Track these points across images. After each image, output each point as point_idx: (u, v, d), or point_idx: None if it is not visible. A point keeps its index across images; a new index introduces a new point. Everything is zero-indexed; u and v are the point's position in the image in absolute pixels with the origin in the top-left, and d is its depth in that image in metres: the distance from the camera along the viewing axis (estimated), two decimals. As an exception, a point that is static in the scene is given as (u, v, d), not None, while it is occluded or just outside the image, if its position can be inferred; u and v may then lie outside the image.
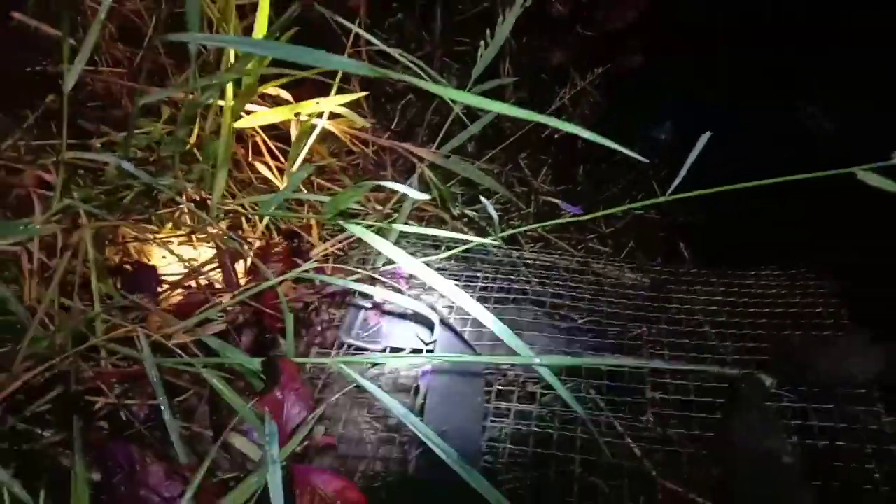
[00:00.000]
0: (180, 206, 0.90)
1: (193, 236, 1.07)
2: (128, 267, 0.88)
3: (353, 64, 0.53)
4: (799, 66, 1.28)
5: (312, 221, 1.17)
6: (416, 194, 0.80)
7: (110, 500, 0.62)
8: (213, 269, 1.01)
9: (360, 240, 1.17)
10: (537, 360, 0.68)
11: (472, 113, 1.16)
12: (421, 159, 1.12)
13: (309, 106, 0.93)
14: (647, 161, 0.53)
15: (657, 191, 1.57)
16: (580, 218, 0.95)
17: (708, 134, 0.66)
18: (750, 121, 1.35)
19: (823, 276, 1.08)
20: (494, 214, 0.82)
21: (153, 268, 0.90)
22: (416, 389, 0.86)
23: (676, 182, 0.67)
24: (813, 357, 0.90)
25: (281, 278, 0.89)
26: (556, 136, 1.45)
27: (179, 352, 0.80)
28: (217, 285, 1.03)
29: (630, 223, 1.51)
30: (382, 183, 0.80)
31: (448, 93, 0.61)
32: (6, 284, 0.80)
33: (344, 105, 1.03)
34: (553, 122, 0.53)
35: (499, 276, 1.16)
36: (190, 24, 0.69)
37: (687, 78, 1.39)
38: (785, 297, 1.05)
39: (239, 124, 0.91)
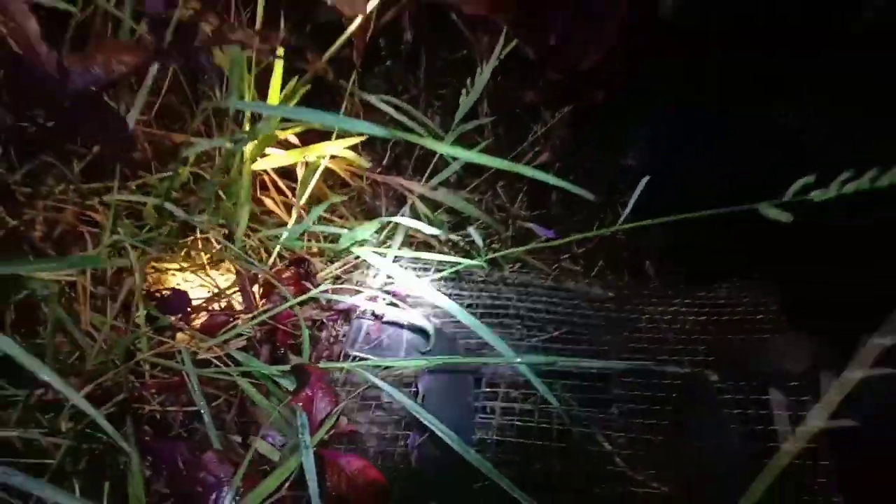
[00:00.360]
0: (211, 239, 1.06)
1: (206, 265, 1.22)
2: (163, 292, 1.03)
3: (372, 128, 0.70)
4: (789, 71, 1.44)
5: (315, 248, 1.33)
6: (427, 229, 0.97)
7: (173, 480, 0.77)
8: (233, 293, 1.16)
9: (358, 263, 1.34)
10: (518, 360, 0.84)
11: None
12: (411, 191, 1.29)
13: (317, 149, 1.10)
14: (592, 197, 0.69)
15: (621, 214, 1.75)
16: (554, 243, 1.13)
17: (647, 178, 0.84)
18: (738, 127, 1.51)
19: (766, 289, 1.26)
20: (480, 241, 0.99)
21: (185, 293, 1.05)
22: (416, 392, 1.02)
23: (625, 214, 0.85)
24: (753, 356, 1.08)
25: (298, 299, 1.05)
26: (530, 164, 1.63)
27: (217, 362, 0.95)
28: (236, 307, 1.19)
29: (599, 244, 1.68)
30: (394, 219, 0.97)
31: (435, 146, 0.78)
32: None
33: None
34: (516, 167, 0.70)
35: (483, 293, 1.33)
36: (234, 91, 0.86)
37: (676, 84, 1.54)
38: (732, 307, 1.23)
39: (256, 166, 1.07)
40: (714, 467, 0.94)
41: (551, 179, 0.68)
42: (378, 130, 0.71)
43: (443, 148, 0.75)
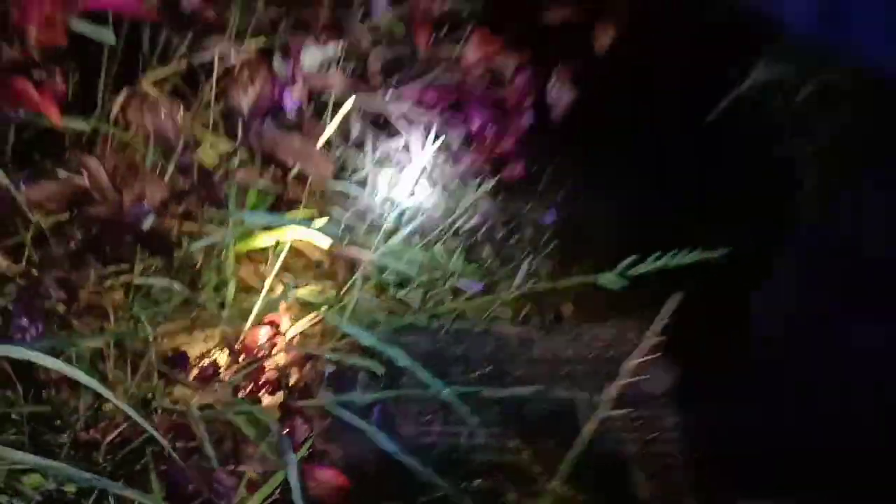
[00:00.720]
0: (206, 308, 1.37)
1: (200, 328, 1.53)
2: (168, 352, 1.33)
3: (318, 235, 1.02)
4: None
5: (282, 308, 1.64)
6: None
7: (192, 489, 1.07)
8: (222, 349, 1.47)
9: (321, 319, 1.65)
10: (446, 391, 1.17)
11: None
12: (361, 259, 1.62)
13: (282, 233, 1.42)
14: (479, 287, 1.02)
15: (545, 266, 2.12)
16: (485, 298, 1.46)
17: (527, 261, 1.18)
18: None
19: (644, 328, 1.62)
20: (416, 304, 1.32)
21: (185, 352, 1.35)
22: (373, 419, 1.33)
23: (517, 281, 1.19)
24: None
25: (274, 352, 1.36)
26: (460, 230, 1.98)
27: (213, 405, 1.25)
28: (221, 361, 1.49)
29: (525, 291, 2.03)
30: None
31: (361, 254, 1.12)
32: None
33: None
34: (421, 260, 1.03)
35: (425, 339, 1.65)
36: (231, 206, 1.18)
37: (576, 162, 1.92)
38: (619, 344, 1.58)
39: (239, 248, 1.39)
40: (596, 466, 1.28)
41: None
42: (320, 236, 1.04)
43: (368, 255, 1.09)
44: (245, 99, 0.91)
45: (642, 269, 1.05)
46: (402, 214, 1.70)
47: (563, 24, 1.46)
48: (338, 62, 1.39)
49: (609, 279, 1.05)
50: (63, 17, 1.06)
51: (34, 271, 0.97)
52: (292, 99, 0.94)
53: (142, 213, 0.90)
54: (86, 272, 1.01)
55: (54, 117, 1.03)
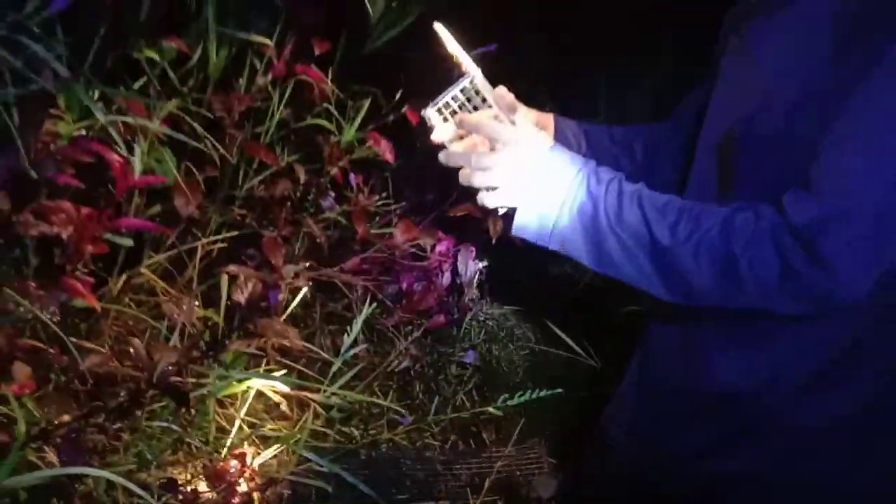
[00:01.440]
0: (192, 444, 1.83)
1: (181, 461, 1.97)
2: (160, 480, 1.78)
3: (277, 383, 1.52)
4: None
5: (248, 442, 2.11)
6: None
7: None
8: (199, 478, 1.91)
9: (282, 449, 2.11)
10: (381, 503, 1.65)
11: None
12: (314, 400, 2.11)
13: (248, 382, 1.91)
14: (408, 420, 1.53)
15: (467, 401, 2.63)
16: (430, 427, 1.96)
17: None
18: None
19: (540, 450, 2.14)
20: (357, 435, 1.81)
21: (175, 480, 1.80)
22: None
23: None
24: (523, 489, 1.93)
25: (240, 481, 1.82)
26: (396, 369, 2.50)
27: (201, 520, 1.69)
28: (202, 486, 1.93)
29: (452, 421, 2.54)
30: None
31: (312, 397, 1.63)
32: None
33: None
34: (362, 399, 1.54)
35: (364, 464, 2.13)
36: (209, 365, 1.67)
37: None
38: (519, 461, 2.09)
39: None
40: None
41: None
42: (280, 383, 1.55)
43: (318, 397, 1.60)
44: (243, 297, 1.43)
45: (513, 401, 1.57)
46: (346, 361, 2.21)
47: (465, 216, 2.06)
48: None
49: (494, 408, 1.57)
50: (102, 235, 1.59)
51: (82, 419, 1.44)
52: (276, 297, 1.46)
53: (169, 374, 1.39)
54: (129, 420, 1.47)
55: (94, 303, 1.54)
